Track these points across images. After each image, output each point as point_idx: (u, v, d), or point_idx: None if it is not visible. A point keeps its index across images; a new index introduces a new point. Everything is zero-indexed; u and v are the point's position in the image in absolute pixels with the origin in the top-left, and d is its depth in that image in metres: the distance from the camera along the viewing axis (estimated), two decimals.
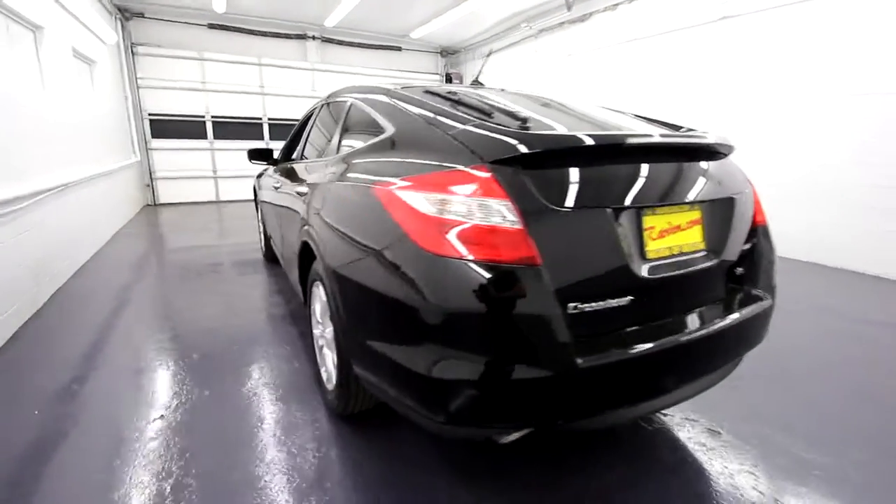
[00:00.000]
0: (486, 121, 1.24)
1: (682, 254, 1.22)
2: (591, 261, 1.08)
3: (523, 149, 1.04)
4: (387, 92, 1.67)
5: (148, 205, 8.04)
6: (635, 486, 1.39)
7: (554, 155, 1.09)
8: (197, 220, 6.64)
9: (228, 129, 8.53)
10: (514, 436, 1.16)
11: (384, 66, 9.74)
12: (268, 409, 1.77)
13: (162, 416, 1.75)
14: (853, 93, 3.91)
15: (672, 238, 1.20)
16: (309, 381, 1.97)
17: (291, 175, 2.40)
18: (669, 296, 1.22)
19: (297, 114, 8.98)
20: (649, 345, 1.08)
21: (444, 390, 1.05)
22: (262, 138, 8.87)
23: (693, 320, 1.23)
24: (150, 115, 7.82)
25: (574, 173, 1.10)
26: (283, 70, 8.80)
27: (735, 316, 1.25)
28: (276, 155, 3.31)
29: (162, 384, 1.99)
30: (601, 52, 6.41)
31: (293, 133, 3.15)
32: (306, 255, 1.94)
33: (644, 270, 1.14)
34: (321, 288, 1.64)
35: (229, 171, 8.63)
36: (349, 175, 1.50)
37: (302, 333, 2.49)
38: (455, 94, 1.53)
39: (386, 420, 1.66)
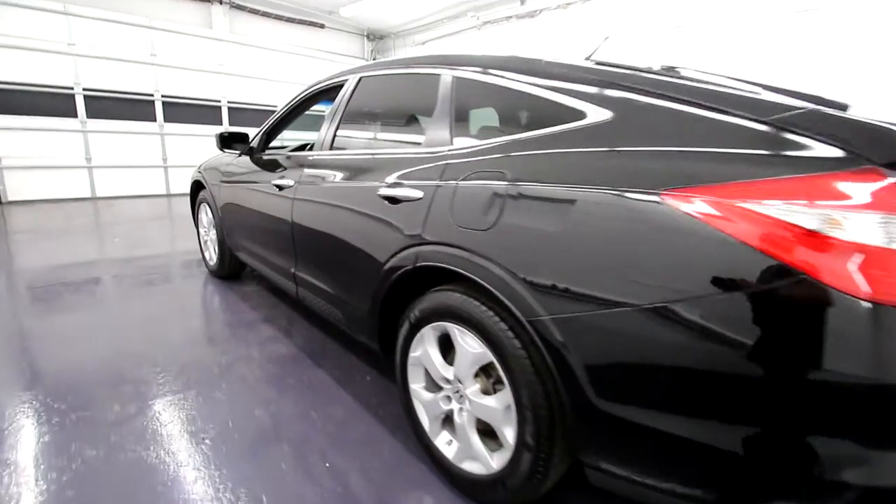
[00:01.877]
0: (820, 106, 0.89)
1: None
2: None
3: None
4: (571, 67, 1.19)
5: None
6: None
7: None
8: (77, 225, 5.10)
9: (107, 106, 6.75)
10: None
11: (303, 45, 8.66)
12: None
13: None
14: None
15: None
16: None
17: (329, 173, 1.78)
18: None
19: (207, 91, 7.54)
20: None
21: (828, 490, 0.73)
22: (153, 119, 7.23)
23: None
24: None
25: None
26: (182, 38, 7.26)
27: None
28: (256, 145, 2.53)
29: None
30: (547, 52, 6.43)
31: (279, 117, 2.43)
32: (401, 288, 1.40)
33: None
34: (471, 337, 1.16)
35: (108, 159, 6.87)
36: (539, 175, 1.04)
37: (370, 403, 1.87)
38: (676, 71, 1.16)
39: None
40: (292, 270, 2.05)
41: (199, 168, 3.16)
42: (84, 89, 6.49)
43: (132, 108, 6.95)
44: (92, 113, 6.61)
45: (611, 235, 0.89)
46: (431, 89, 1.52)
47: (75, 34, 6.29)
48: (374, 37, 9.45)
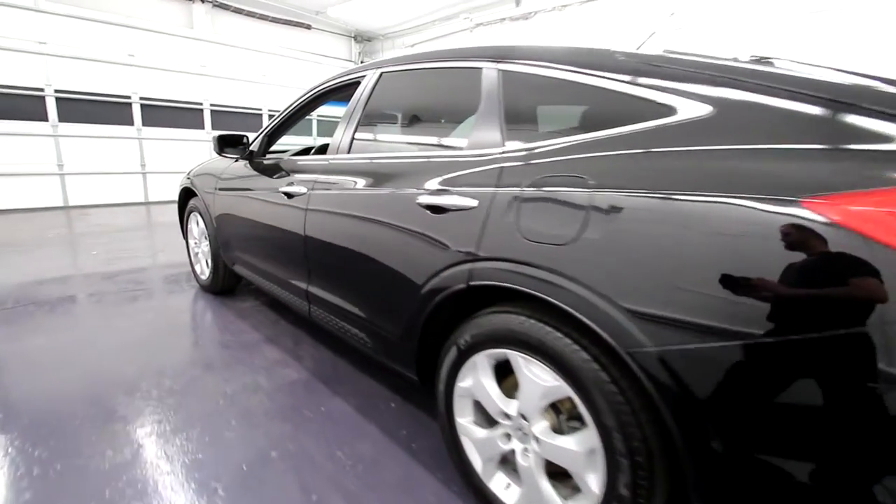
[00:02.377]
0: None
1: None
2: None
3: None
4: (652, 59, 1.04)
5: None
6: None
7: None
8: (50, 237, 4.74)
9: (81, 108, 6.37)
10: None
11: (289, 46, 8.40)
12: None
13: None
14: None
15: None
16: None
17: (349, 179, 1.60)
18: None
19: (188, 94, 7.23)
20: None
21: None
22: (130, 122, 6.87)
23: None
24: None
25: None
26: (161, 37, 6.93)
27: None
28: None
29: None
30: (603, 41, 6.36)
31: (283, 119, 2.23)
32: (445, 309, 1.24)
33: None
34: (548, 370, 0.99)
35: (82, 165, 6.48)
36: (629, 180, 0.88)
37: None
38: (769, 61, 1.02)
39: None
40: (305, 288, 1.85)
41: (188, 175, 2.92)
42: (56, 91, 6.11)
43: (108, 110, 6.58)
44: (64, 116, 6.22)
45: (737, 252, 0.74)
46: (471, 85, 1.36)
47: (46, 32, 5.92)
48: (362, 38, 9.25)
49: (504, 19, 6.74)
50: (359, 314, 1.58)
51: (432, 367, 1.37)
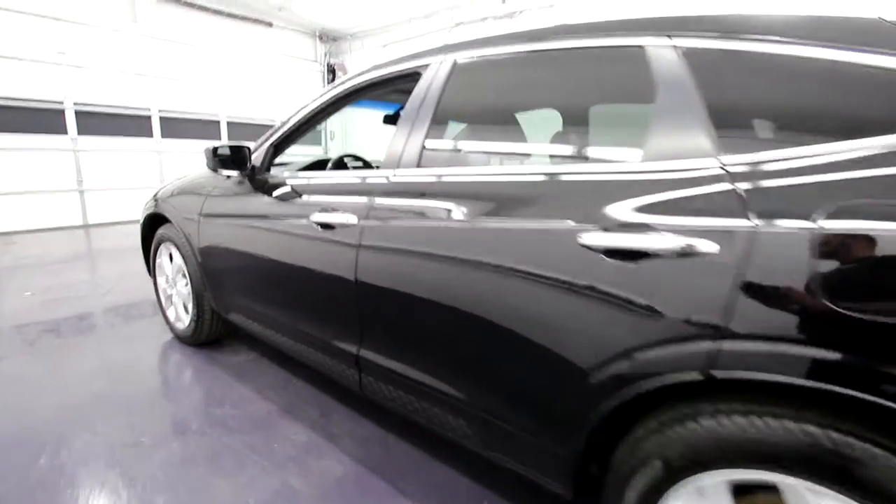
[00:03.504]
0: None
1: None
2: None
3: None
4: None
5: None
6: None
7: None
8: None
9: (1, 117, 5.37)
10: None
11: (248, 44, 7.64)
12: None
13: None
14: None
15: None
16: None
17: (434, 206, 1.14)
18: None
19: (132, 98, 6.36)
20: None
21: None
22: (63, 131, 5.90)
23: None
24: None
25: None
26: (99, 32, 6.01)
27: None
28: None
29: None
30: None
31: (296, 124, 1.72)
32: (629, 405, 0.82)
33: None
34: None
35: (2, 184, 5.47)
36: None
37: None
38: None
39: None
40: (354, 352, 1.36)
41: (157, 196, 2.30)
42: None
43: (33, 118, 5.59)
44: None
45: None
46: (631, 70, 0.95)
47: None
48: (328, 38, 8.62)
49: (486, 18, 6.42)
50: (456, 395, 1.12)
51: (594, 478, 0.94)
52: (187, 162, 7.00)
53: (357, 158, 2.35)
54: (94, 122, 6.16)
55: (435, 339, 1.16)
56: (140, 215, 2.45)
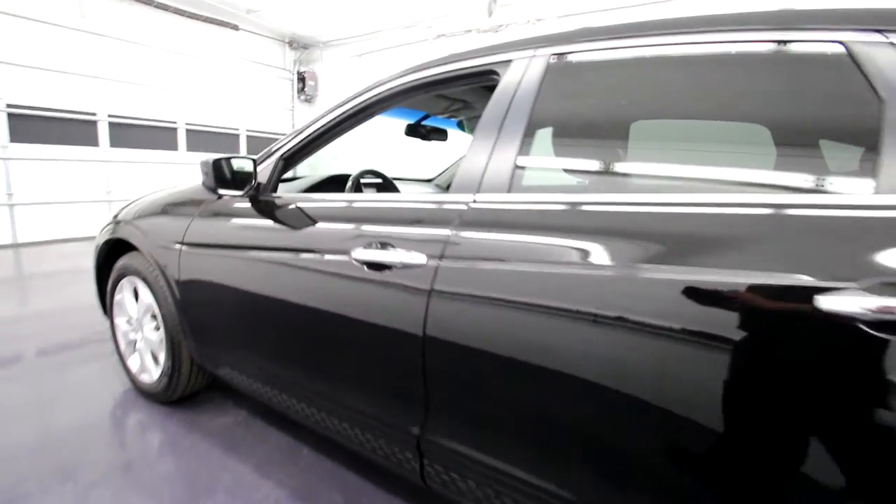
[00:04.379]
0: None
1: None
2: None
3: None
4: None
5: None
6: None
7: None
8: None
9: None
10: None
11: (211, 48, 7.07)
12: None
13: None
14: None
15: None
16: None
17: (551, 247, 0.84)
18: None
19: (77, 101, 5.67)
20: None
21: None
22: None
23: None
24: None
25: None
26: (37, 27, 5.30)
27: None
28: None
29: None
30: None
31: (315, 133, 1.37)
32: None
33: None
34: None
35: None
36: None
37: None
38: None
39: None
40: (415, 432, 1.02)
41: (118, 217, 1.86)
42: None
43: None
44: None
45: None
46: (829, 74, 0.71)
47: None
48: (298, 45, 8.16)
49: (471, 30, 6.26)
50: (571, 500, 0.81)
51: None
52: (140, 174, 6.31)
53: (377, 174, 2.00)
54: (30, 127, 5.39)
55: (547, 423, 0.85)
56: (96, 240, 1.97)
